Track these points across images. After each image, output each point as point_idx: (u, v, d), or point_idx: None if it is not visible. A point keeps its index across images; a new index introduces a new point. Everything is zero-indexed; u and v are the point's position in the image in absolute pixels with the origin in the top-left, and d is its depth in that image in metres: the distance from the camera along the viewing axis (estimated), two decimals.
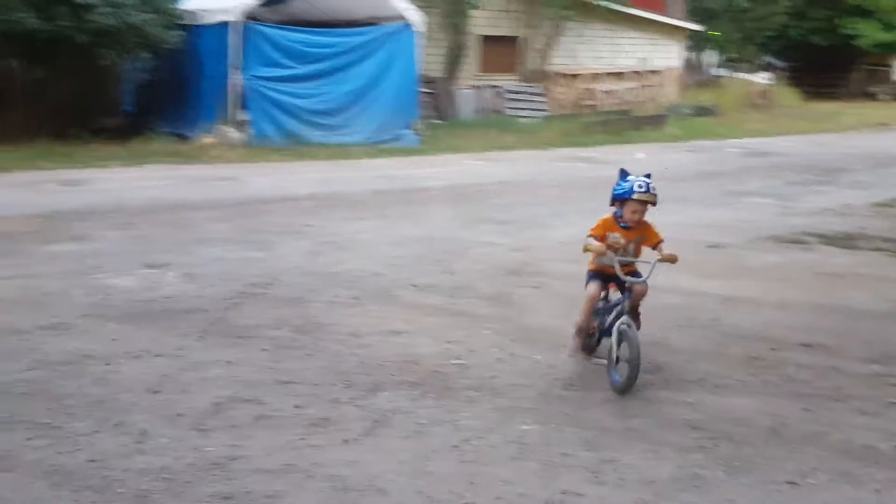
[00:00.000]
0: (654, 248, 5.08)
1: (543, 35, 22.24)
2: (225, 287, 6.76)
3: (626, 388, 4.81)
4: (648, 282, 5.02)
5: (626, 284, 4.98)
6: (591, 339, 5.29)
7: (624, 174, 5.06)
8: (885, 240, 8.87)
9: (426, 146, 16.16)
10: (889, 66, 38.29)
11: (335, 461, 4.00)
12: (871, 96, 34.77)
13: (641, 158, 15.91)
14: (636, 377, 4.78)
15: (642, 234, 5.08)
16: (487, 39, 21.70)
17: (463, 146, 16.35)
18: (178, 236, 8.52)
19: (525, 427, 4.43)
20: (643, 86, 23.91)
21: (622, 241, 5.03)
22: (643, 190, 4.91)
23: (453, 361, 5.32)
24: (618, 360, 4.88)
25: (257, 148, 14.62)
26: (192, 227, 8.98)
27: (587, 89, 22.76)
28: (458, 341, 5.66)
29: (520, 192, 11.81)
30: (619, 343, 4.89)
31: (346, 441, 4.21)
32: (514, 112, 20.48)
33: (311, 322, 5.99)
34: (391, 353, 5.44)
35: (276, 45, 15.30)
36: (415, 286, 6.98)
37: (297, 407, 4.59)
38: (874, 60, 37.18)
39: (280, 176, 12.69)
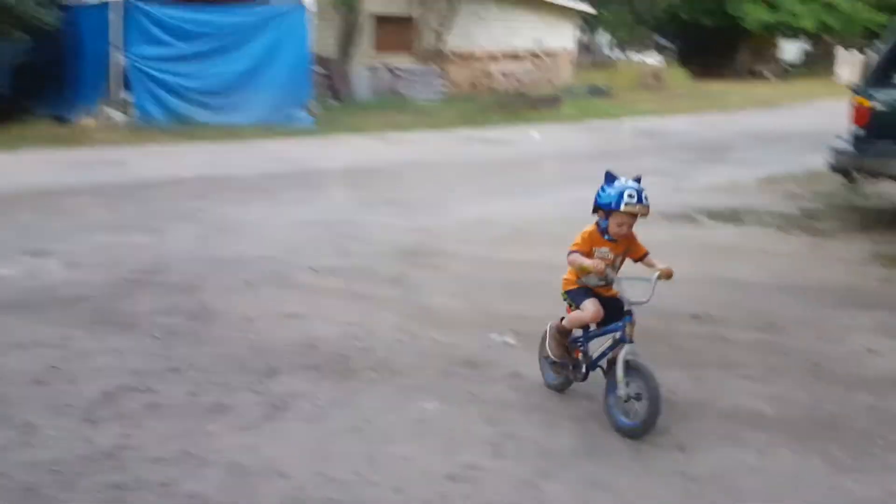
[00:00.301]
0: (639, 261, 4.41)
1: (438, 15, 22.23)
2: (111, 274, 6.53)
3: (646, 430, 4.06)
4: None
5: (626, 307, 4.20)
6: (571, 371, 4.50)
7: (610, 178, 4.24)
8: (769, 214, 9.21)
9: (321, 127, 15.97)
10: (774, 45, 39.87)
11: (232, 447, 3.92)
12: (757, 75, 36.14)
13: (538, 139, 16.14)
14: (658, 415, 4.05)
15: (628, 247, 4.37)
16: (381, 19, 21.57)
17: (359, 127, 16.23)
18: (60, 223, 8.18)
19: (426, 405, 4.44)
20: (538, 67, 24.21)
21: (611, 256, 4.30)
22: (634, 201, 4.12)
23: (352, 343, 5.28)
24: (628, 398, 4.11)
25: (142, 130, 14.19)
26: (74, 214, 8.64)
27: (483, 70, 22.90)
28: (357, 323, 5.62)
29: (418, 174, 11.80)
30: (628, 378, 4.12)
31: (243, 427, 4.13)
32: (410, 93, 20.44)
33: (203, 308, 5.85)
34: (288, 336, 5.36)
35: (159, 24, 14.85)
36: (311, 269, 6.90)
37: (190, 394, 4.47)
38: (759, 40, 38.65)
39: (167, 158, 12.34)
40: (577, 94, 22.73)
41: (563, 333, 4.49)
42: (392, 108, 18.75)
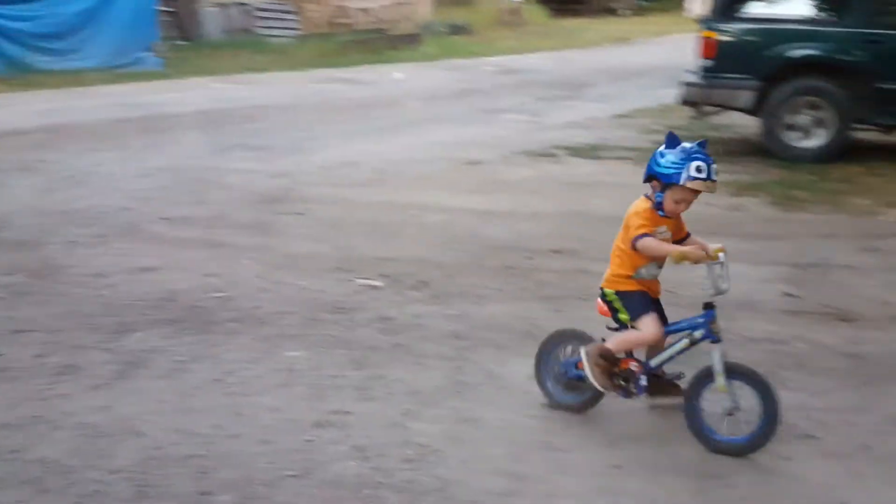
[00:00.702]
0: (681, 242, 3.61)
1: None
2: None
3: (760, 446, 3.44)
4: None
5: (708, 299, 3.51)
6: (621, 389, 3.66)
7: (672, 141, 3.47)
8: (625, 149, 9.43)
9: (170, 70, 15.29)
10: None
11: (85, 408, 3.73)
12: (612, 12, 36.82)
13: (399, 78, 15.95)
14: (777, 426, 3.41)
15: (677, 226, 3.62)
16: None
17: (211, 68, 15.61)
18: None
19: (291, 354, 4.34)
20: (397, 3, 23.84)
21: (669, 235, 3.55)
22: (703, 175, 3.36)
23: (212, 294, 5.10)
24: (732, 411, 3.45)
25: None
26: None
27: (340, 7, 22.36)
28: (216, 274, 5.43)
29: (275, 116, 11.46)
30: (732, 386, 3.44)
31: (95, 387, 3.94)
32: (264, 32, 19.77)
33: (48, 265, 5.51)
34: (142, 291, 5.12)
35: None
36: (166, 219, 6.61)
37: (37, 356, 4.22)
38: None
39: (3, 108, 11.51)
40: (437, 31, 22.57)
41: (609, 359, 3.61)
42: (245, 47, 18.11)
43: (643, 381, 3.59)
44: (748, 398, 3.43)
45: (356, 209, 7.03)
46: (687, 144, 3.45)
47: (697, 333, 3.52)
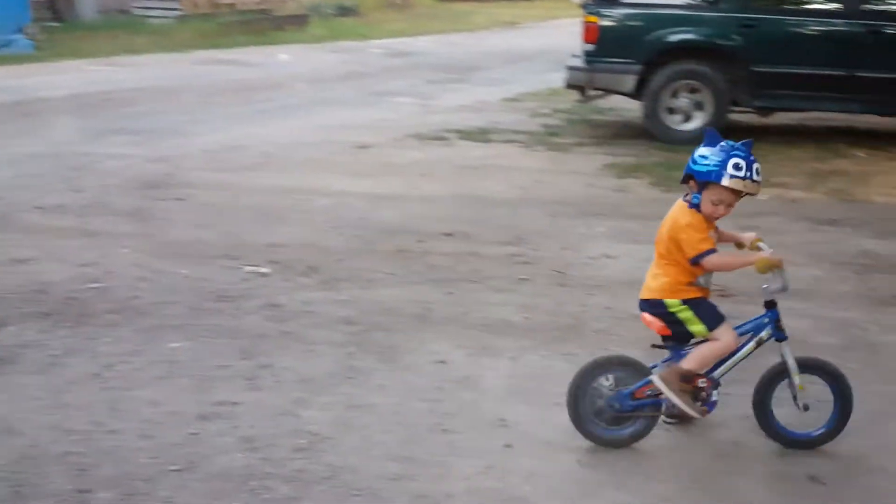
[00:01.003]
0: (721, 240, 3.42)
1: None
2: None
3: (834, 435, 3.43)
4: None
5: (768, 298, 3.32)
6: (696, 408, 3.34)
7: (712, 138, 3.22)
8: (515, 132, 9.52)
9: (42, 52, 14.60)
10: None
11: None
12: None
13: (286, 60, 15.66)
14: (850, 415, 3.41)
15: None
16: None
17: (86, 51, 14.95)
18: None
19: (174, 345, 4.20)
20: None
21: (716, 236, 3.32)
22: (742, 174, 3.13)
23: (89, 285, 4.88)
24: (808, 406, 3.37)
25: None
26: None
27: None
28: (93, 263, 5.20)
29: (155, 100, 11.06)
30: (803, 381, 3.35)
31: None
32: (142, 12, 19.08)
33: None
34: (15, 283, 4.87)
35: None
36: (39, 208, 6.29)
37: None
38: None
39: None
40: (324, 13, 22.26)
41: (691, 381, 3.30)
42: (123, 28, 17.43)
43: (715, 397, 3.35)
44: (820, 390, 3.40)
45: (242, 194, 6.86)
46: (728, 142, 3.21)
47: (764, 334, 3.34)
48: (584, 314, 4.72)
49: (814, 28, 8.76)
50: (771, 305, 3.32)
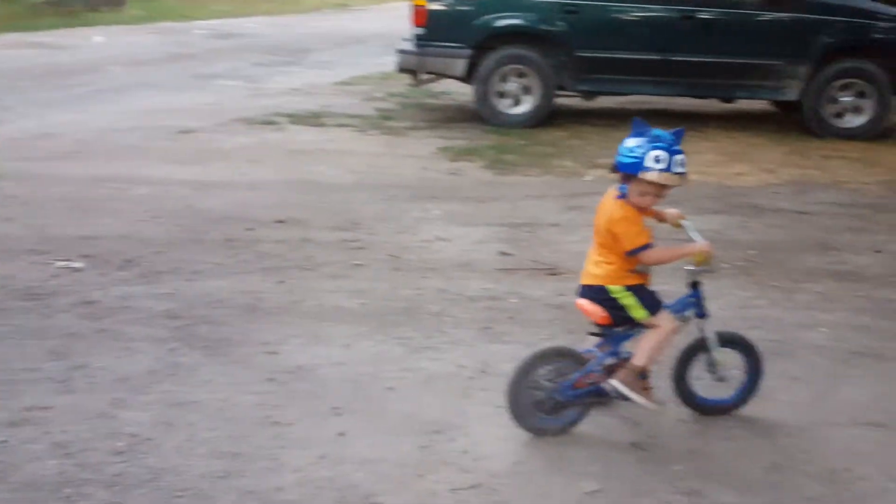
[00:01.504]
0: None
1: None
2: None
3: (746, 401, 3.60)
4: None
5: (693, 279, 3.39)
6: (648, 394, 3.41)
7: (638, 129, 3.20)
8: (348, 116, 9.39)
9: None
10: None
11: None
12: None
13: (101, 42, 14.82)
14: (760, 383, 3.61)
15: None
16: None
17: None
18: None
19: None
20: None
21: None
22: (661, 167, 3.12)
23: None
24: (722, 378, 3.51)
25: None
26: None
27: None
28: None
29: None
30: (724, 354, 3.50)
31: None
32: None
33: None
34: None
35: None
36: None
37: None
38: None
39: None
40: None
41: (646, 376, 3.35)
42: None
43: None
44: (735, 361, 3.53)
45: (53, 184, 6.41)
46: (655, 132, 3.17)
47: (689, 313, 3.41)
48: (419, 297, 4.70)
49: (632, 14, 9.08)
50: (695, 285, 3.40)
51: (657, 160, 3.11)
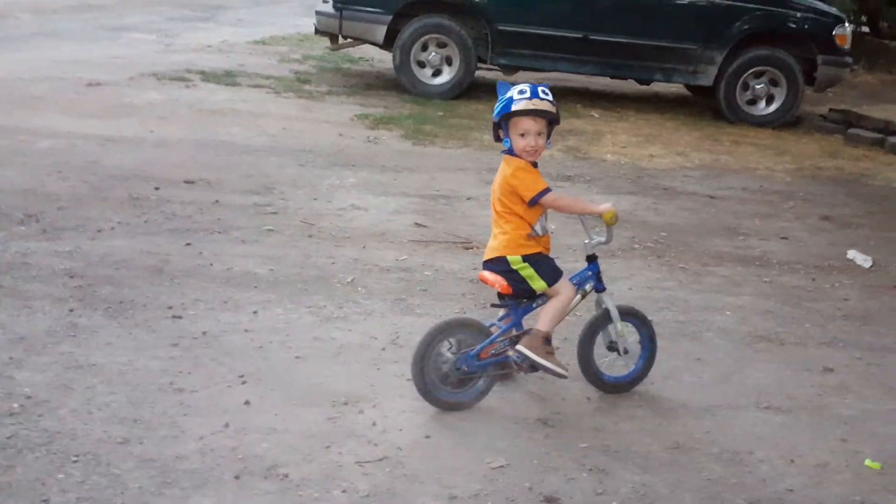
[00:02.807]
0: None
1: None
2: None
3: (642, 378, 3.67)
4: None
5: (590, 252, 3.47)
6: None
7: (503, 86, 3.35)
8: (263, 76, 9.18)
9: None
10: None
11: None
12: None
13: None
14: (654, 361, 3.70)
15: None
16: None
17: None
18: None
19: None
20: None
21: None
22: (530, 96, 3.22)
23: None
24: (626, 350, 3.57)
25: None
26: None
27: None
28: None
29: None
30: (624, 328, 3.56)
31: None
32: None
33: None
34: None
35: None
36: None
37: None
38: None
39: None
40: None
41: (549, 341, 3.37)
42: None
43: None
44: (637, 337, 3.61)
45: None
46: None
47: (588, 286, 3.46)
48: (332, 266, 4.64)
49: None
50: (592, 259, 3.46)
51: (521, 92, 3.22)
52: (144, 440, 2.98)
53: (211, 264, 4.50)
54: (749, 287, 4.96)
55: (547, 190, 3.26)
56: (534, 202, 3.25)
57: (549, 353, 3.36)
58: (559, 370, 3.37)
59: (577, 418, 3.44)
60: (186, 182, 5.70)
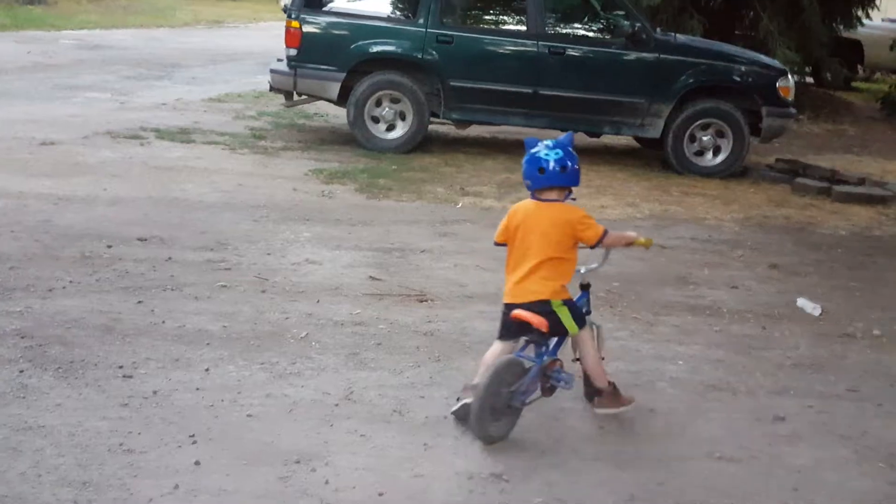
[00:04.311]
0: None
1: None
2: None
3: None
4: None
5: (585, 282, 3.97)
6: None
7: (531, 143, 3.80)
8: (218, 133, 9.21)
9: None
10: None
11: None
12: None
13: None
14: None
15: None
16: None
17: None
18: None
19: None
20: None
21: None
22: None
23: None
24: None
25: None
26: None
27: None
28: None
29: None
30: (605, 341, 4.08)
31: None
32: None
33: None
34: None
35: None
36: None
37: None
38: None
39: None
40: (7, 1, 20.25)
41: (615, 386, 3.94)
42: None
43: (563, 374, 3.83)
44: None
45: None
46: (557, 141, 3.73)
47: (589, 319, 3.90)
48: (286, 321, 4.63)
49: (503, 48, 9.30)
50: (587, 287, 3.91)
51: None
52: (94, 503, 2.93)
53: (163, 322, 4.47)
54: (700, 336, 5.01)
55: (607, 231, 3.71)
56: (600, 242, 3.69)
57: (623, 400, 3.87)
58: (632, 404, 3.90)
59: (531, 471, 3.45)
60: (139, 239, 5.68)
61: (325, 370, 4.11)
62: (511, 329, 3.66)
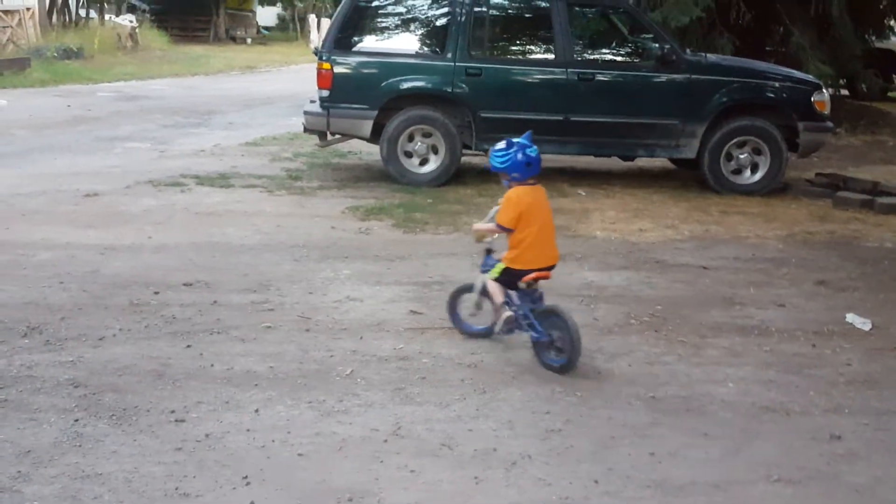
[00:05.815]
0: None
1: None
2: None
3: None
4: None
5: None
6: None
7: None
8: (255, 176, 9.36)
9: None
10: (252, 10, 40.83)
11: None
12: (235, 40, 36.71)
13: (2, 105, 14.46)
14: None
15: None
16: None
17: None
18: None
19: None
20: None
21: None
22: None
23: None
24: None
25: None
26: None
27: None
28: None
29: None
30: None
31: None
32: None
33: None
34: None
35: None
36: None
37: None
38: (236, 4, 39.26)
39: None
40: (47, 56, 20.85)
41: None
42: None
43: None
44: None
45: None
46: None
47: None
48: (331, 359, 4.67)
49: (532, 77, 9.37)
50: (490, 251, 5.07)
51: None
52: None
53: (212, 365, 4.53)
54: (750, 357, 4.94)
55: None
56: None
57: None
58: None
59: (585, 501, 3.42)
60: (185, 284, 5.77)
61: (372, 406, 4.13)
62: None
